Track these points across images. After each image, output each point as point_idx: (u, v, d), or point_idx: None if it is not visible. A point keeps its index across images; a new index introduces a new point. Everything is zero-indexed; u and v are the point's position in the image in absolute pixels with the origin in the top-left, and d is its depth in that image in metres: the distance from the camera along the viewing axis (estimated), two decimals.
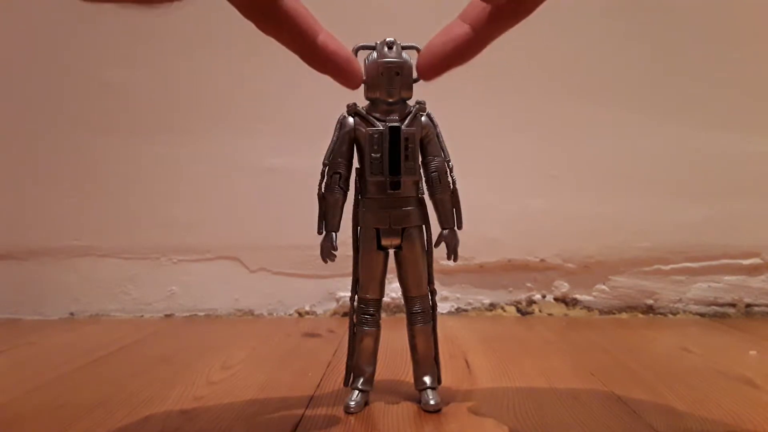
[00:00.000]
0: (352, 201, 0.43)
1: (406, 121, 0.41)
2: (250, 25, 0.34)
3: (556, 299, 0.82)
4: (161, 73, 0.83)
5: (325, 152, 0.42)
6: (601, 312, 0.82)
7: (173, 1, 0.25)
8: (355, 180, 0.43)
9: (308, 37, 0.35)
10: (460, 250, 0.43)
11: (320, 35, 0.35)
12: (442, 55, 0.36)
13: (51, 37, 0.82)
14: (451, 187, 0.43)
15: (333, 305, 0.83)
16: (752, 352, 0.60)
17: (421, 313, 0.44)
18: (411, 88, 0.41)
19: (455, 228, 0.43)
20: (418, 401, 0.44)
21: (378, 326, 0.44)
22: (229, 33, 0.77)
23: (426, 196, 0.43)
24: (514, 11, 0.34)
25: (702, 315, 0.81)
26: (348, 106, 0.42)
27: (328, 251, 0.42)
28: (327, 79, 0.38)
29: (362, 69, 0.39)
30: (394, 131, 0.40)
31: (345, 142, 0.42)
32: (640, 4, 0.81)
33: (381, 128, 0.40)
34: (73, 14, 0.80)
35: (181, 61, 0.82)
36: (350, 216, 0.44)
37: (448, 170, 0.43)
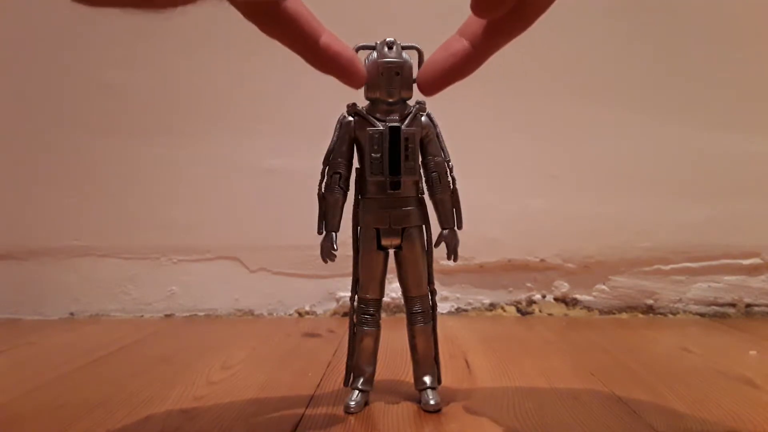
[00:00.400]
0: (352, 201, 0.44)
1: (406, 121, 0.41)
2: (249, 26, 0.34)
3: (556, 299, 0.82)
4: (161, 74, 0.83)
5: (324, 152, 0.42)
6: (601, 312, 0.82)
7: (176, 7, 0.25)
8: (355, 180, 0.43)
9: (311, 38, 0.35)
10: (460, 250, 0.43)
11: (323, 36, 0.35)
12: (442, 71, 0.37)
13: (51, 38, 0.82)
14: (451, 187, 0.43)
15: (333, 305, 0.83)
16: (752, 352, 0.60)
17: (421, 313, 0.44)
18: (411, 88, 0.41)
19: (455, 228, 0.43)
20: (418, 401, 0.44)
21: (378, 326, 0.44)
22: (229, 34, 0.77)
23: (426, 196, 0.43)
24: (511, 26, 0.34)
25: (702, 315, 0.81)
26: (348, 106, 0.42)
27: (328, 251, 0.42)
28: (326, 80, 0.38)
29: (366, 69, 0.39)
30: (394, 131, 0.40)
31: (345, 142, 0.42)
32: (641, 4, 0.80)
33: (381, 128, 0.40)
34: (73, 15, 0.80)
35: (180, 62, 0.82)
36: (350, 216, 0.44)
37: (448, 170, 0.43)
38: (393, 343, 0.53)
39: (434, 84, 0.38)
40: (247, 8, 0.32)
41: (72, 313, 0.84)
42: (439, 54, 0.37)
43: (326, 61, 0.36)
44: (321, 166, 0.42)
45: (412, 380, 0.45)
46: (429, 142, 0.42)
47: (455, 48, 0.36)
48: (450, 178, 0.43)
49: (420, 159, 0.42)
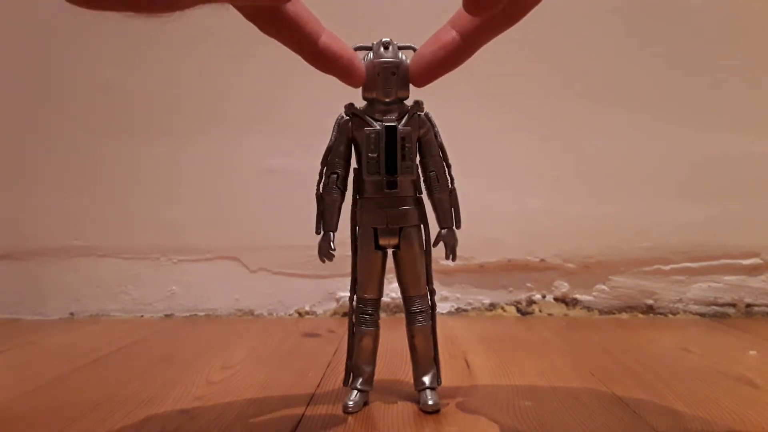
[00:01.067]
0: (351, 201, 0.44)
1: (403, 121, 0.41)
2: (249, 27, 0.34)
3: (556, 299, 0.82)
4: (161, 74, 0.83)
5: (323, 152, 0.42)
6: (601, 312, 0.82)
7: (175, 10, 0.25)
8: (353, 180, 0.43)
9: (311, 39, 0.35)
10: (459, 250, 0.43)
11: (322, 36, 0.36)
12: (432, 63, 0.37)
13: (51, 38, 0.83)
14: (450, 186, 0.43)
15: (333, 305, 0.83)
16: (752, 352, 0.60)
17: (420, 312, 0.44)
18: (408, 88, 0.41)
19: (454, 227, 0.43)
20: (418, 401, 0.44)
21: (377, 326, 0.44)
22: (229, 34, 0.77)
23: (424, 196, 0.43)
24: (500, 20, 0.34)
25: (702, 315, 0.81)
26: (345, 106, 0.42)
27: (326, 251, 0.42)
28: (325, 80, 0.39)
29: (365, 68, 0.40)
30: (391, 131, 0.40)
31: (343, 143, 0.42)
32: (641, 4, 0.80)
33: (378, 128, 0.40)
34: (74, 15, 0.80)
35: (180, 62, 0.82)
36: (349, 216, 0.44)
37: (446, 169, 0.43)
38: (393, 343, 0.53)
39: (424, 75, 0.38)
40: (249, 10, 0.33)
41: (72, 313, 0.84)
42: (428, 46, 0.37)
43: (326, 61, 0.36)
44: (319, 166, 0.42)
45: (411, 380, 0.45)
46: (427, 141, 0.42)
47: (445, 40, 0.36)
48: (448, 178, 0.43)
49: (418, 158, 0.42)
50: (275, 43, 0.35)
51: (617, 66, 0.81)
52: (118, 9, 0.24)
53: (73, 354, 0.62)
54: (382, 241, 0.42)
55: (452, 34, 0.36)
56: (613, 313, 0.82)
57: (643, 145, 0.81)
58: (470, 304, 0.83)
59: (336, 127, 0.42)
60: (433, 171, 0.42)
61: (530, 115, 0.81)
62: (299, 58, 0.37)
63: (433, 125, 0.42)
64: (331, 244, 0.42)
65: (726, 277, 0.81)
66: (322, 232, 0.42)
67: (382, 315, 0.45)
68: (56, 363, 0.58)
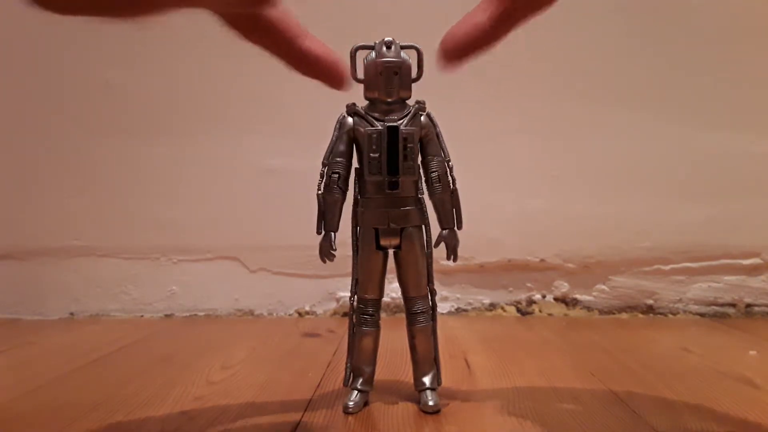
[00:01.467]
0: (352, 201, 0.44)
1: (405, 121, 0.41)
2: None
3: (556, 299, 0.82)
4: (161, 74, 0.83)
5: (324, 152, 0.42)
6: (601, 312, 0.82)
7: (149, 16, 0.25)
8: (355, 180, 0.43)
9: (293, 44, 0.35)
10: (460, 250, 0.43)
11: (305, 41, 0.35)
12: (465, 43, 0.36)
13: (52, 38, 0.82)
14: (451, 187, 0.43)
15: (333, 305, 0.83)
16: (752, 352, 0.60)
17: (420, 313, 0.44)
18: (410, 88, 0.41)
19: (455, 228, 0.43)
20: (418, 402, 0.44)
21: (377, 326, 0.44)
22: (229, 34, 0.77)
23: (426, 196, 0.43)
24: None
25: (702, 315, 0.81)
26: (347, 106, 0.42)
27: (326, 251, 0.42)
28: None
29: (349, 70, 0.39)
30: (393, 131, 0.40)
31: (344, 142, 0.42)
32: (641, 4, 0.80)
33: (379, 128, 0.40)
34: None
35: (180, 62, 0.82)
36: (350, 216, 0.44)
37: (447, 170, 0.43)
38: (393, 343, 0.53)
39: (456, 54, 0.37)
40: (229, 17, 0.32)
41: (72, 313, 0.84)
42: (461, 24, 0.36)
43: (308, 66, 0.36)
44: (320, 166, 0.42)
45: (411, 380, 0.45)
46: (429, 141, 0.42)
47: (479, 19, 0.35)
48: (450, 178, 0.43)
49: (420, 159, 0.42)
50: None
51: (618, 66, 0.81)
52: (87, 14, 0.24)
53: (73, 354, 0.62)
54: (383, 242, 0.42)
55: (487, 14, 0.35)
56: (613, 313, 0.82)
57: (643, 145, 0.81)
58: (470, 304, 0.83)
59: (337, 126, 0.42)
60: (434, 171, 0.42)
61: (531, 116, 0.81)
62: None
63: (435, 125, 0.42)
64: (332, 244, 0.42)
65: (726, 277, 0.81)
66: (323, 232, 0.42)
67: (383, 315, 0.45)
68: (56, 363, 0.58)
